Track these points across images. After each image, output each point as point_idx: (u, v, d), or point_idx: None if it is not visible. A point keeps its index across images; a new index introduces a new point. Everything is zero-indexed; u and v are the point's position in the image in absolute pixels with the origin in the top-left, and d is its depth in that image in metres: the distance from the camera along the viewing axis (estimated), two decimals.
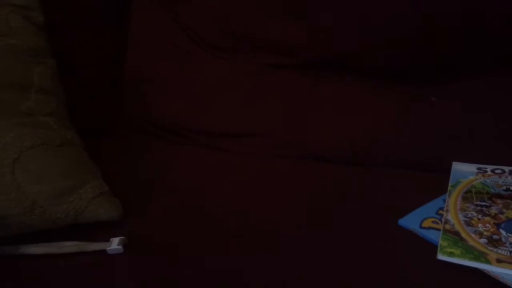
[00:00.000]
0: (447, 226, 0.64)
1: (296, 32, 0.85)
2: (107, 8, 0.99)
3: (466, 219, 0.65)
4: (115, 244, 0.66)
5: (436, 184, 0.74)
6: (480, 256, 0.59)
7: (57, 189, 0.68)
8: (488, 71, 0.80)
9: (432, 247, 0.63)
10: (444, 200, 0.70)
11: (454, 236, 0.63)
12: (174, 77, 0.94)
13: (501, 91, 0.80)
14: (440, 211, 0.68)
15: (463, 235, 0.63)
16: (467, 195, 0.69)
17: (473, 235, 0.62)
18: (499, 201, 0.67)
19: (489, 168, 0.75)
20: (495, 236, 0.62)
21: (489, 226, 0.63)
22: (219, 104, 0.91)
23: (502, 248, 0.60)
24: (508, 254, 0.59)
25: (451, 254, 0.60)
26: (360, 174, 0.80)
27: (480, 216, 0.65)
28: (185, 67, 0.94)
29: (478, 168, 0.75)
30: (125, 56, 1.00)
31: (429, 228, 0.66)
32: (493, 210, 0.66)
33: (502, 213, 0.65)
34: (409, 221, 0.67)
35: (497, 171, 0.73)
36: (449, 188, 0.71)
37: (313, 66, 0.88)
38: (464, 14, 0.76)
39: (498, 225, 0.63)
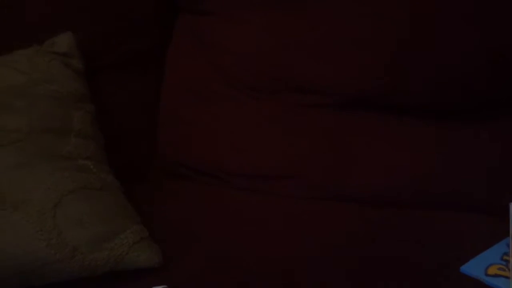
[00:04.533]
0: None
1: (334, 71, 0.83)
2: (144, 53, 1.00)
3: None
4: None
5: (491, 226, 0.69)
6: None
7: (98, 235, 0.65)
8: None
9: None
10: (508, 245, 0.65)
11: None
12: (211, 119, 0.93)
13: None
14: (505, 257, 0.64)
15: None
16: None
17: None
18: None
19: None
20: None
21: None
22: (257, 146, 0.89)
23: None
24: None
25: None
26: (408, 218, 0.75)
27: None
28: (222, 108, 0.93)
29: None
30: (160, 100, 1.00)
31: (496, 275, 0.61)
32: None
33: None
34: (473, 268, 0.62)
35: None
36: (511, 231, 0.66)
37: (352, 105, 0.86)
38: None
39: None
